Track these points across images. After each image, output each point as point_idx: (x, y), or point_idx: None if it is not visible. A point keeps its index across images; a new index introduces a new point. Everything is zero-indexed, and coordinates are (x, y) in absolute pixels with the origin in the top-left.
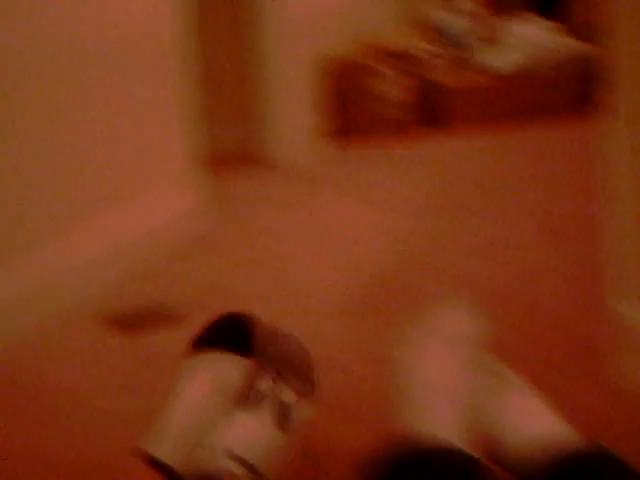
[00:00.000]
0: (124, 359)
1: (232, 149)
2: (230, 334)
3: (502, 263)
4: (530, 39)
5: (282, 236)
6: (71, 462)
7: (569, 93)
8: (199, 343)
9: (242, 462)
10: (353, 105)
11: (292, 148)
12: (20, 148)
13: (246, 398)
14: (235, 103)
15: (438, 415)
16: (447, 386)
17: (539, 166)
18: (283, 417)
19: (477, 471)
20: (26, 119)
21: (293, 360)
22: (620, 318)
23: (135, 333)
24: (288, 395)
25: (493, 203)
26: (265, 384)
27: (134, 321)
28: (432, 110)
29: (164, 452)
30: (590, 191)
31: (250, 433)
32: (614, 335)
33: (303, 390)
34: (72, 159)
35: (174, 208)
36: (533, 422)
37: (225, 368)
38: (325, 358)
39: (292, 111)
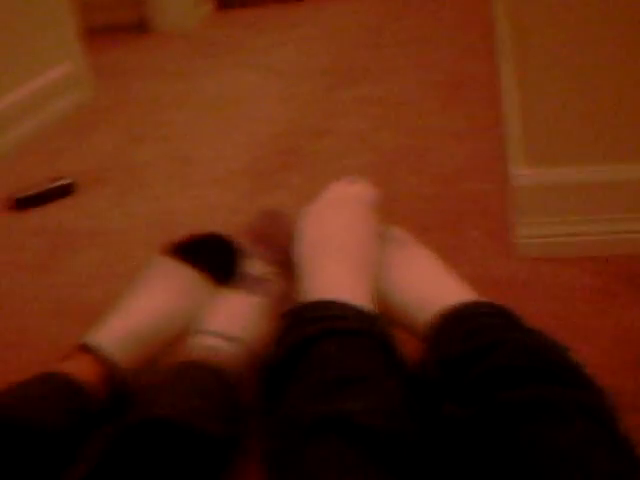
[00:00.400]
0: (18, 234)
1: (113, 18)
2: (214, 256)
3: (400, 127)
4: None
5: (173, 105)
6: None
7: None
8: (179, 251)
9: (227, 338)
10: None
11: (174, 14)
12: None
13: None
14: None
15: (330, 274)
16: (339, 244)
17: (432, 25)
18: (266, 289)
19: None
20: None
21: (280, 239)
22: (514, 179)
23: (31, 210)
24: (274, 272)
25: (387, 64)
26: (256, 268)
27: (30, 198)
28: None
29: (107, 347)
30: (487, 51)
31: (235, 311)
32: (511, 198)
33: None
34: None
35: (55, 78)
36: (426, 284)
37: (190, 283)
38: (229, 225)
39: None
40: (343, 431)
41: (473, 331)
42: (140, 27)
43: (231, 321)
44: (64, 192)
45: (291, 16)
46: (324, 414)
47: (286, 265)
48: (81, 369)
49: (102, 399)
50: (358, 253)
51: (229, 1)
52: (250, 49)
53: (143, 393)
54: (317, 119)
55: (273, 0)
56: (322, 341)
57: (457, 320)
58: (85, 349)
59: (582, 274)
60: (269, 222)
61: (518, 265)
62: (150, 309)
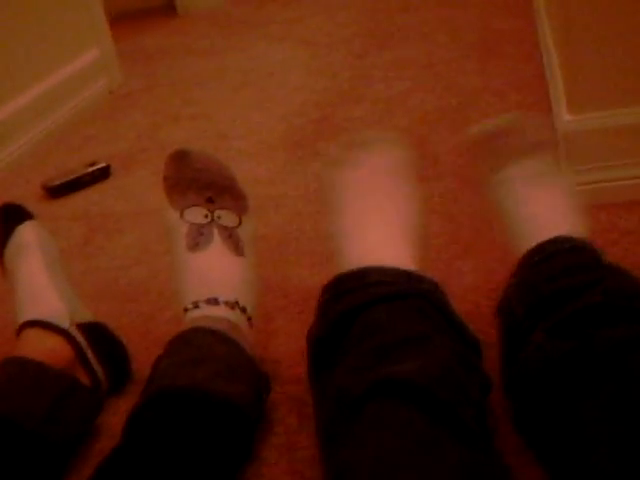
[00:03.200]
0: (54, 221)
1: (140, 2)
2: (8, 219)
3: (437, 87)
4: None
5: (204, 84)
6: None
7: None
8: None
9: (229, 305)
10: None
11: None
12: None
13: (193, 240)
14: None
15: (378, 241)
16: (378, 212)
17: None
18: (234, 242)
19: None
20: None
21: (217, 179)
22: (560, 127)
23: (67, 196)
24: (228, 217)
25: (419, 25)
26: (200, 215)
27: (64, 185)
28: None
29: None
30: (519, 7)
31: (219, 272)
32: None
33: (239, 207)
34: None
35: (84, 65)
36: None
37: (22, 235)
38: (267, 198)
39: None
40: (398, 393)
41: (567, 268)
42: (167, 10)
43: (220, 285)
44: (100, 176)
45: None
46: (376, 380)
47: (220, 202)
48: (36, 344)
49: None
50: (398, 220)
51: None
52: (278, 22)
53: (155, 368)
54: (351, 86)
55: None
56: (370, 308)
57: (550, 255)
58: (34, 326)
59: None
60: (180, 165)
61: None
62: (28, 277)
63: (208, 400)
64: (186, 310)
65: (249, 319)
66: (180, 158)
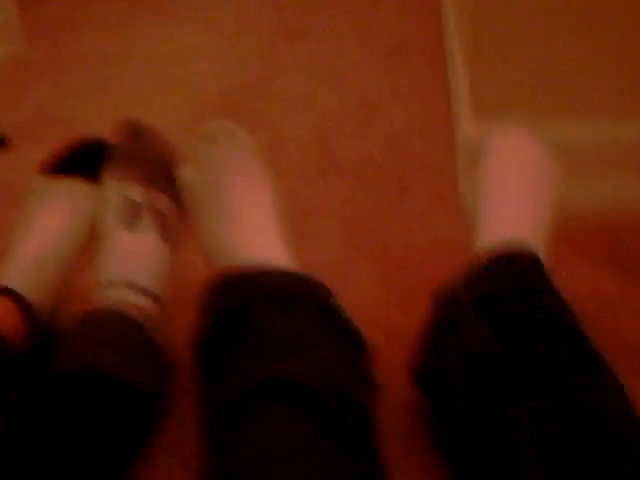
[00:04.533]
0: None
1: None
2: (82, 160)
3: (343, 86)
4: None
5: (111, 60)
6: None
7: None
8: (49, 170)
9: (145, 292)
10: None
11: None
12: None
13: (125, 216)
14: None
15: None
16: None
17: None
18: (164, 228)
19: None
20: None
21: (162, 161)
22: (460, 136)
23: None
24: (163, 202)
25: (328, 23)
26: (138, 194)
27: None
28: None
29: (15, 283)
30: (429, 11)
31: (143, 257)
32: (456, 154)
33: (174, 193)
34: None
35: None
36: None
37: (79, 197)
38: None
39: None
40: (283, 393)
41: (518, 275)
42: None
43: (141, 270)
44: None
45: None
46: (264, 378)
47: (159, 184)
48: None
49: (21, 342)
50: (269, 218)
51: None
52: (189, 6)
53: (62, 341)
54: (257, 77)
55: None
56: (257, 307)
57: (506, 259)
58: None
59: None
60: (132, 137)
61: None
62: (41, 235)
63: (110, 384)
64: (100, 285)
65: (160, 307)
66: (134, 131)
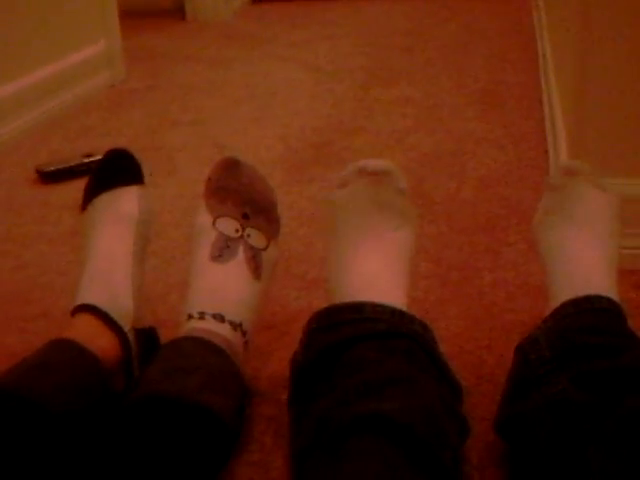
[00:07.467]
0: (46, 207)
1: (151, 3)
2: (117, 170)
3: (437, 130)
4: None
5: (205, 92)
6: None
7: None
8: (91, 192)
9: (234, 325)
10: None
11: (211, 3)
12: None
13: (218, 250)
14: None
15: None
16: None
17: (469, 32)
18: (256, 265)
19: None
20: None
21: (259, 197)
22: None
23: (57, 184)
24: (258, 239)
25: (422, 68)
26: (233, 229)
27: (57, 172)
28: None
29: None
30: (525, 60)
31: (234, 291)
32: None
33: (271, 231)
34: None
35: (90, 56)
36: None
37: (124, 201)
38: None
39: None
40: (380, 430)
41: (596, 327)
42: (176, 14)
43: (231, 304)
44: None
45: (325, 14)
46: (361, 414)
47: (254, 221)
48: (92, 336)
49: (115, 372)
50: (396, 250)
51: None
52: (285, 43)
53: (148, 369)
54: (352, 116)
55: None
56: (357, 344)
57: (584, 311)
58: (87, 312)
59: (624, 288)
60: (228, 173)
61: None
62: (94, 250)
63: (192, 410)
64: (190, 317)
65: (246, 342)
66: (230, 166)
